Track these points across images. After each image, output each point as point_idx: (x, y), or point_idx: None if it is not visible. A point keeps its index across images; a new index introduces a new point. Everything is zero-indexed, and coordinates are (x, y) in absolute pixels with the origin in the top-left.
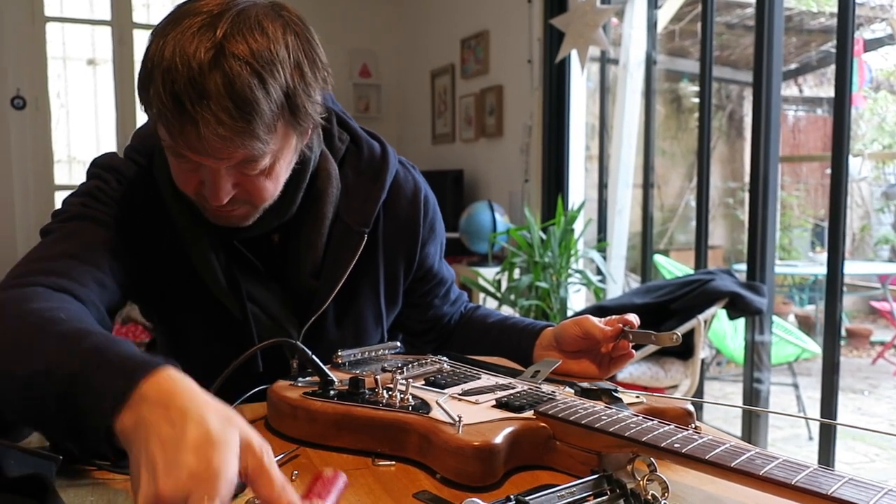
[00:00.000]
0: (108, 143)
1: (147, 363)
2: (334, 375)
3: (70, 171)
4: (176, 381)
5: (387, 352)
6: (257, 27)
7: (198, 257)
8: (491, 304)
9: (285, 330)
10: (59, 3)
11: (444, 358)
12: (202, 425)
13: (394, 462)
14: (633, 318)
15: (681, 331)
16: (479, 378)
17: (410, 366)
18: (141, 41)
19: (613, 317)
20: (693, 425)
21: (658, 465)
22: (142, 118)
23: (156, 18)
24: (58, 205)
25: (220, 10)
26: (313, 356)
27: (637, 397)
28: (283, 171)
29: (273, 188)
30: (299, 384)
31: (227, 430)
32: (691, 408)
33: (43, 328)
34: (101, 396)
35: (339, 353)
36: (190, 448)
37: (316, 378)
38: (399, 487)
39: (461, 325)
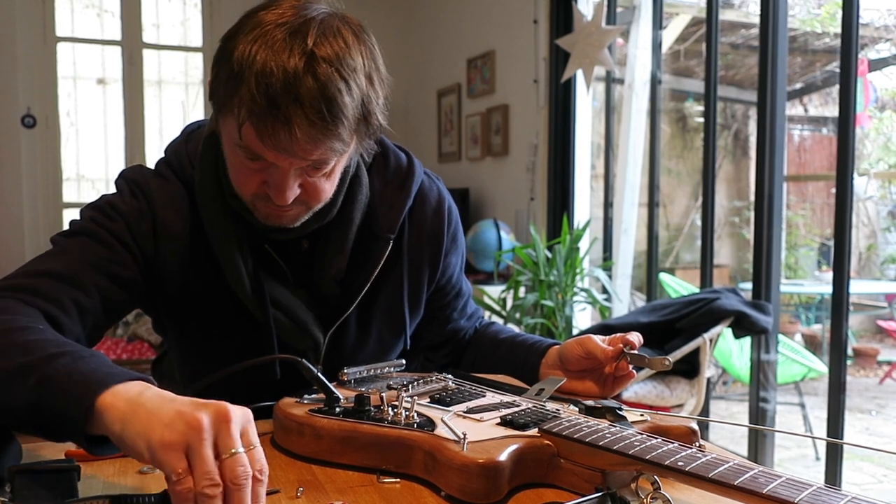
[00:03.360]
0: (117, 162)
1: (121, 374)
2: (340, 393)
3: (79, 189)
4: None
5: (392, 369)
6: (339, 35)
7: (226, 260)
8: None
9: (309, 335)
10: (70, 23)
11: (449, 376)
12: (184, 399)
13: (399, 479)
14: (636, 337)
15: (686, 349)
16: (483, 396)
17: (416, 383)
18: (150, 61)
19: (617, 335)
20: (697, 443)
21: (662, 483)
22: (151, 137)
23: (165, 38)
24: (66, 223)
25: (304, 18)
26: (318, 374)
27: (641, 415)
28: (339, 173)
29: (330, 189)
30: (305, 401)
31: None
32: (695, 426)
33: (17, 335)
34: (79, 387)
35: (345, 371)
36: (178, 406)
37: (322, 395)
38: None
39: (474, 340)
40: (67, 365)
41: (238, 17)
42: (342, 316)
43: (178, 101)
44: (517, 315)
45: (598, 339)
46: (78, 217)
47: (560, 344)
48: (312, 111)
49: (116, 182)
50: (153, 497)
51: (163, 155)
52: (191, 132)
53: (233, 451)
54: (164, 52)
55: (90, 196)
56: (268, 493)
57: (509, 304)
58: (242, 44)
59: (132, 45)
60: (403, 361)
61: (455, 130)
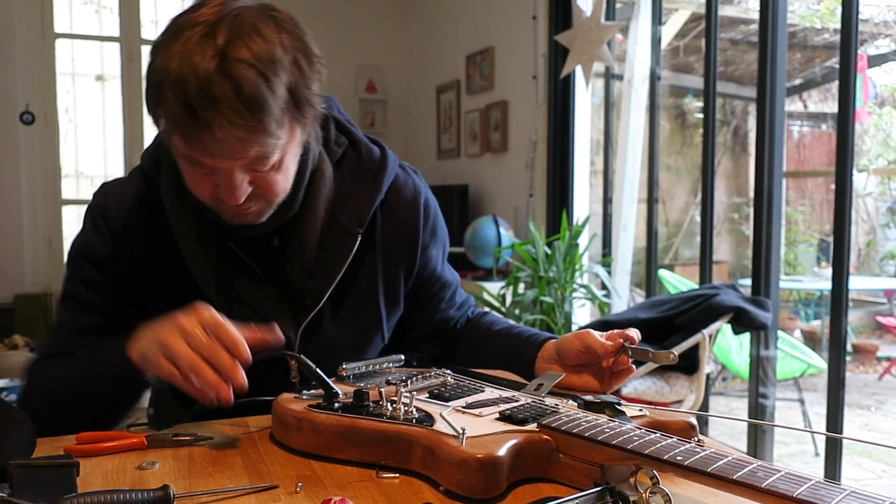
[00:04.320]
0: (116, 158)
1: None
2: (339, 388)
3: (78, 186)
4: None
5: (391, 365)
6: (254, 31)
7: (191, 259)
8: None
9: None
10: (68, 19)
11: (449, 371)
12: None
13: (398, 475)
14: (634, 332)
15: (686, 345)
16: (482, 391)
17: (414, 378)
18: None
19: (615, 331)
20: (696, 438)
21: (661, 478)
22: (150, 133)
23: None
24: (65, 219)
25: (216, 18)
26: (317, 370)
27: (640, 410)
28: (292, 164)
29: (284, 182)
30: (304, 397)
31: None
32: (694, 421)
33: (86, 367)
34: (118, 356)
35: (344, 366)
36: (173, 319)
37: (320, 391)
38: (403, 500)
39: (467, 331)
40: (105, 359)
41: None
42: (313, 310)
43: None
44: (516, 311)
45: (596, 334)
46: (63, 285)
47: (556, 338)
48: (231, 112)
49: (84, 219)
50: (152, 492)
51: (139, 163)
52: (160, 142)
53: (202, 338)
54: None
55: (89, 193)
56: (266, 489)
57: (508, 300)
58: (161, 52)
59: (131, 41)
60: (402, 357)
61: (454, 127)
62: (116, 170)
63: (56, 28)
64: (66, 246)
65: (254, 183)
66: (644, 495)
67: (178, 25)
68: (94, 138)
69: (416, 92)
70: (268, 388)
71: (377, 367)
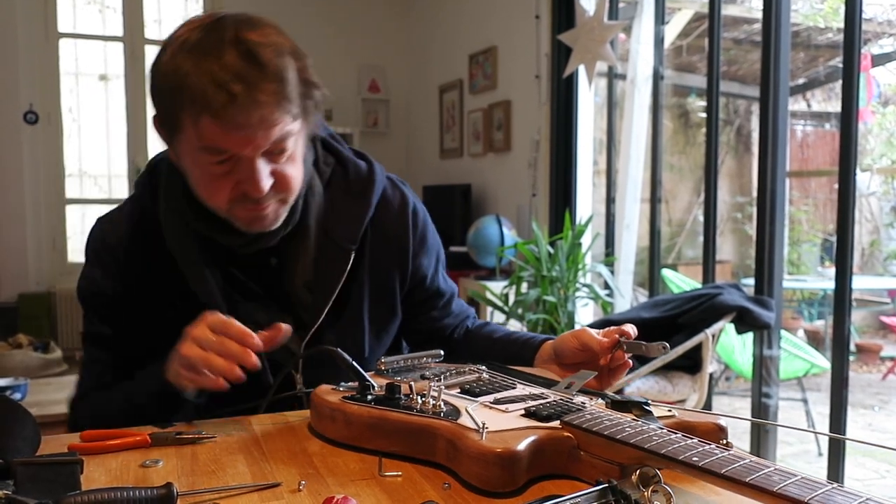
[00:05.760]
0: (119, 158)
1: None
2: (376, 382)
3: (81, 185)
4: None
5: (429, 360)
6: (255, 25)
7: (197, 284)
8: (498, 317)
9: (286, 346)
10: (72, 19)
11: (483, 367)
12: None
13: (400, 473)
14: (630, 328)
15: (689, 345)
16: (514, 388)
17: (449, 374)
18: (153, 57)
19: (612, 328)
20: (724, 441)
21: (666, 476)
22: (153, 133)
23: (167, 34)
24: (69, 218)
25: (213, 20)
26: (353, 362)
27: (669, 411)
28: (301, 159)
29: (298, 176)
30: (341, 388)
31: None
32: (724, 423)
33: (127, 392)
34: (159, 378)
35: (383, 360)
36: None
37: (356, 384)
38: (405, 498)
39: (467, 340)
40: (145, 384)
41: (239, 10)
42: (314, 325)
43: None
44: (519, 311)
45: (592, 331)
46: (82, 304)
47: (553, 338)
48: (258, 82)
49: (86, 259)
50: (155, 490)
51: (134, 192)
52: (155, 165)
53: (210, 337)
54: None
55: (92, 192)
56: (268, 487)
57: (511, 299)
58: (165, 64)
59: (134, 40)
60: (441, 352)
61: (457, 126)
62: (120, 169)
63: (60, 28)
64: (70, 245)
65: (273, 175)
66: (646, 494)
67: (171, 40)
68: (98, 138)
69: (418, 91)
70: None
71: (416, 361)
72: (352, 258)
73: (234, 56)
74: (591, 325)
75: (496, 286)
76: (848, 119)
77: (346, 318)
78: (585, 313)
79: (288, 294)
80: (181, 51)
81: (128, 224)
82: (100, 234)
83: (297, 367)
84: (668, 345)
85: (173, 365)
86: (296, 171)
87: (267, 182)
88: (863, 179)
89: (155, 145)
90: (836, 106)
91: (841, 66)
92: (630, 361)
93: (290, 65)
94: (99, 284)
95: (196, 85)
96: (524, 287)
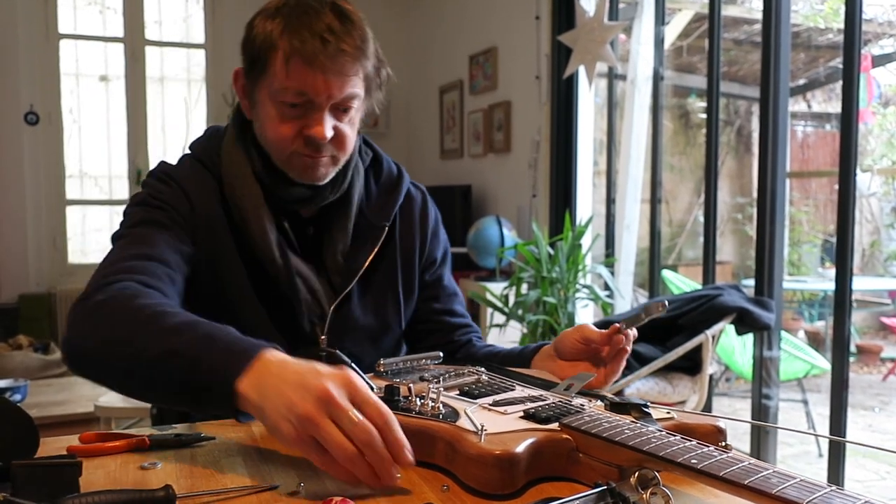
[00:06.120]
0: (120, 159)
1: (254, 345)
2: (375, 383)
3: (81, 186)
4: (281, 353)
5: (429, 361)
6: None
7: (259, 231)
8: (498, 318)
9: (319, 304)
10: (72, 20)
11: (482, 369)
12: (312, 366)
13: (399, 474)
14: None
15: (689, 346)
16: (513, 389)
17: (448, 375)
18: (153, 57)
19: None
20: (723, 443)
21: (664, 478)
22: (153, 134)
23: (168, 35)
24: (69, 219)
25: None
26: (353, 365)
27: (668, 413)
28: (356, 126)
29: (352, 139)
30: None
31: (327, 369)
32: (723, 425)
33: (159, 319)
34: (220, 373)
35: (382, 362)
36: (310, 377)
37: None
38: (404, 500)
39: (469, 350)
40: (206, 348)
41: (240, 13)
42: (347, 287)
43: (180, 97)
44: (519, 312)
45: (593, 326)
46: (127, 215)
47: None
48: (346, 35)
49: (147, 181)
50: (153, 492)
51: (188, 152)
52: (213, 132)
53: (353, 417)
54: (166, 48)
55: (93, 193)
56: (267, 489)
57: (511, 300)
58: (263, 21)
59: (134, 41)
60: (440, 354)
61: (457, 127)
62: (120, 170)
63: (60, 28)
64: (70, 246)
65: (334, 130)
66: (645, 496)
67: (274, 4)
68: (98, 139)
69: (418, 92)
70: None
71: (415, 363)
72: (384, 234)
73: (330, 16)
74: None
75: (496, 287)
76: (848, 120)
77: (374, 288)
78: (585, 314)
79: (323, 259)
80: (281, 11)
81: (191, 172)
82: (163, 168)
83: (325, 329)
84: (666, 302)
85: (272, 400)
86: (352, 134)
87: (329, 132)
88: (863, 180)
89: (155, 148)
90: (836, 107)
91: (841, 66)
92: (627, 348)
93: (372, 37)
94: (163, 192)
95: (295, 32)
96: (524, 288)
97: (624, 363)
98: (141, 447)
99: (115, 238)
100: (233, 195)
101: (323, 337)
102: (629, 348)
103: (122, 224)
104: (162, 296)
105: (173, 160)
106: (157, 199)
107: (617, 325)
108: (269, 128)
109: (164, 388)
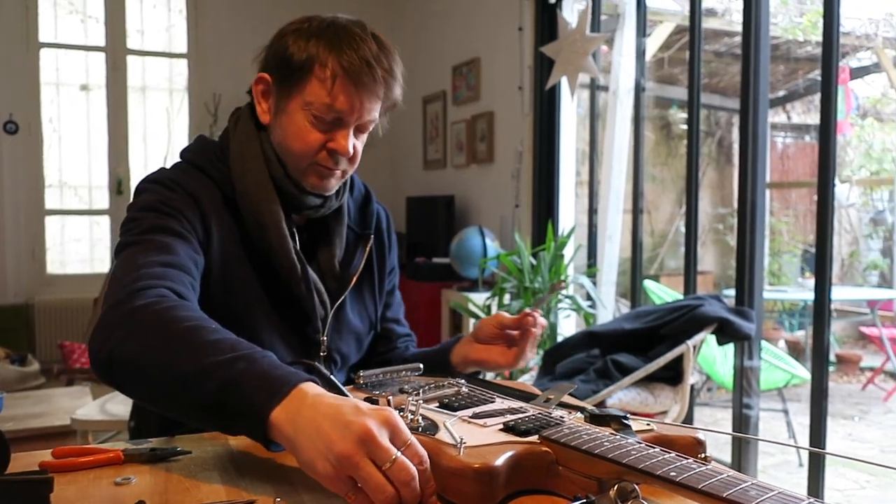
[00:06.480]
0: (100, 169)
1: (291, 375)
2: (354, 395)
3: (61, 196)
4: (318, 387)
5: (408, 373)
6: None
7: (277, 239)
8: None
9: (323, 306)
10: (53, 29)
11: (463, 381)
12: (350, 402)
13: None
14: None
15: (670, 356)
16: (493, 402)
17: (428, 388)
18: (135, 67)
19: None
20: (703, 454)
21: (644, 491)
22: (134, 143)
23: (150, 45)
24: (48, 229)
25: (344, 20)
26: (332, 377)
27: (647, 425)
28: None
29: (359, 157)
30: None
31: (366, 406)
32: (702, 436)
33: (197, 333)
34: (254, 401)
35: (361, 374)
36: (351, 415)
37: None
38: None
39: (402, 357)
40: (243, 371)
41: (223, 24)
42: (344, 292)
43: (162, 107)
44: None
45: (506, 314)
46: (134, 222)
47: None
48: (384, 62)
49: (149, 187)
50: None
51: (180, 160)
52: (205, 142)
53: (393, 458)
54: (148, 58)
55: (72, 203)
56: None
57: (494, 310)
58: (301, 42)
59: (116, 51)
60: (420, 365)
61: (440, 137)
62: (100, 180)
63: (41, 37)
64: (49, 256)
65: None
66: None
67: (308, 27)
68: (78, 148)
69: (402, 102)
70: None
71: (394, 375)
72: (371, 241)
73: (372, 44)
74: (574, 337)
75: (479, 297)
76: (827, 131)
77: (360, 292)
78: (568, 325)
79: (319, 265)
80: (326, 33)
81: (192, 178)
82: (161, 172)
83: (324, 331)
84: (563, 279)
85: (308, 436)
86: (360, 151)
87: (352, 146)
88: (842, 191)
89: (136, 158)
90: (815, 118)
91: (820, 78)
92: (534, 331)
93: (400, 65)
94: (170, 197)
95: (343, 54)
96: (507, 298)
97: (534, 345)
98: (115, 462)
99: (128, 243)
100: (248, 201)
101: (324, 338)
102: (536, 331)
103: (129, 230)
104: (196, 307)
105: (164, 169)
106: (168, 206)
107: (527, 310)
108: (296, 136)
109: (195, 407)
